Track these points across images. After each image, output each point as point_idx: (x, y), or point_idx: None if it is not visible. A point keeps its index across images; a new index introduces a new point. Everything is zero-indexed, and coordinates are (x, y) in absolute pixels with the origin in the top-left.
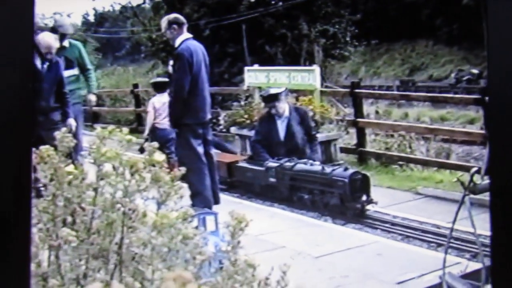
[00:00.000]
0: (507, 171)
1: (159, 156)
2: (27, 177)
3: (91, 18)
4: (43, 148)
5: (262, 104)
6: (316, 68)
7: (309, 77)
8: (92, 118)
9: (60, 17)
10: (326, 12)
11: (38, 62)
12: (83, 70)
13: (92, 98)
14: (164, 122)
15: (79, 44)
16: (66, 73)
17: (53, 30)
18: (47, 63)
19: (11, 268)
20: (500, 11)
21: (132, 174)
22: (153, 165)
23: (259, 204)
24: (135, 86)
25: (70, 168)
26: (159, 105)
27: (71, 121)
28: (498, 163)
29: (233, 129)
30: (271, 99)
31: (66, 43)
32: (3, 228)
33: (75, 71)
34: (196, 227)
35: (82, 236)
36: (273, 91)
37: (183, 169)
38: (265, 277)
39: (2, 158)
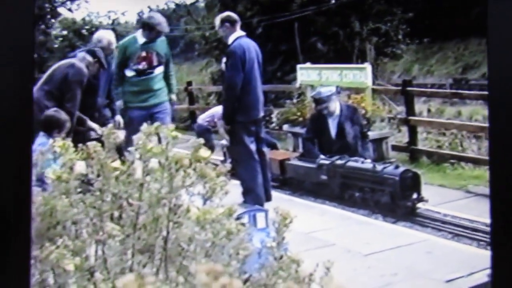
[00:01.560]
0: (507, 170)
1: (205, 152)
2: (27, 176)
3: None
4: (90, 144)
5: (314, 105)
6: (367, 66)
7: (360, 75)
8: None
9: (155, 13)
10: (378, 10)
11: (103, 59)
12: (166, 68)
13: (174, 97)
14: None
15: (165, 40)
16: (158, 70)
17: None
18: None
19: (11, 268)
20: (500, 11)
21: (177, 170)
22: (199, 161)
23: (311, 201)
24: (189, 83)
25: (117, 163)
26: None
27: (119, 118)
28: (498, 162)
29: (285, 127)
30: (322, 101)
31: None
32: (3, 228)
33: (163, 68)
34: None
35: (128, 231)
36: (324, 93)
37: (228, 165)
38: (309, 273)
39: (2, 157)
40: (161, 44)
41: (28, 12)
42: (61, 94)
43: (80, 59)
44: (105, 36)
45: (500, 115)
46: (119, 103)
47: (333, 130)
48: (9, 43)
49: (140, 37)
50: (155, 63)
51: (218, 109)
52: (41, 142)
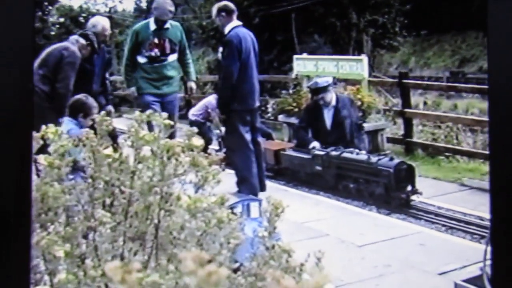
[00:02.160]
0: (508, 170)
1: (197, 141)
2: (27, 177)
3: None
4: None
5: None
6: (364, 58)
7: (357, 66)
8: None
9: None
10: (375, 1)
11: (95, 43)
12: (182, 54)
13: (193, 85)
14: None
15: (179, 25)
16: (171, 58)
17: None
18: (99, 47)
19: (11, 268)
20: (500, 11)
21: (169, 158)
22: (192, 150)
23: (305, 192)
24: None
25: (109, 151)
26: None
27: (110, 107)
28: (498, 163)
29: (281, 117)
30: (318, 92)
31: (168, 23)
32: (3, 228)
33: (176, 55)
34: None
35: (120, 218)
36: (321, 83)
37: (220, 154)
38: (300, 263)
39: (2, 158)
40: (174, 31)
41: (28, 12)
42: (55, 77)
43: (72, 42)
44: (100, 21)
45: (501, 115)
46: (132, 89)
47: (328, 121)
48: (9, 43)
49: (152, 24)
50: (167, 50)
51: (210, 99)
52: (70, 128)
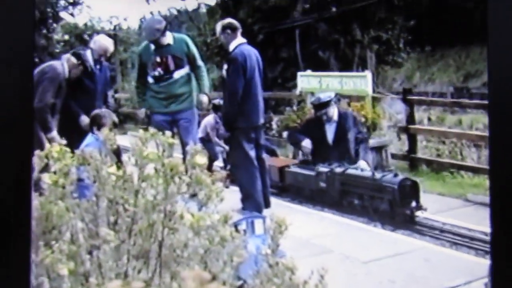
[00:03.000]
0: (507, 171)
1: (201, 159)
2: (27, 177)
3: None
4: (86, 149)
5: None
6: (368, 74)
7: (361, 82)
8: (147, 121)
9: (150, 18)
10: (379, 18)
11: (92, 64)
12: (194, 67)
13: (204, 99)
14: None
15: (185, 37)
16: (177, 74)
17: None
18: (99, 65)
19: (11, 268)
20: (500, 11)
21: (172, 177)
22: (195, 168)
23: (309, 208)
24: None
25: (113, 169)
26: None
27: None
28: (498, 163)
29: (285, 134)
30: (321, 107)
31: (169, 39)
32: (3, 228)
33: (186, 70)
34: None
35: (124, 236)
36: (323, 98)
37: (224, 172)
38: (304, 280)
39: (2, 158)
40: (179, 45)
41: (28, 13)
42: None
43: (64, 60)
44: (101, 39)
45: (500, 116)
46: (142, 110)
47: (330, 136)
48: (9, 43)
49: (152, 44)
50: (172, 67)
51: (209, 119)
52: (87, 143)
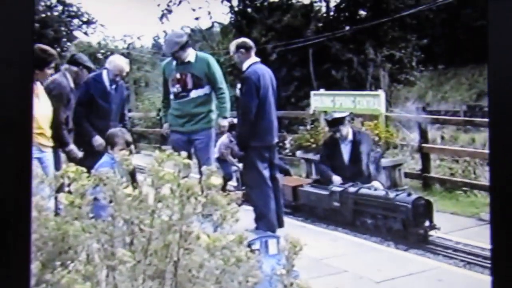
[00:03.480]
0: (507, 172)
1: (216, 180)
2: (27, 177)
3: (161, 41)
4: (102, 169)
5: (327, 128)
6: (381, 93)
7: (374, 101)
8: (161, 140)
9: (172, 32)
10: (392, 36)
11: (107, 84)
12: (214, 88)
13: (223, 123)
14: None
15: (209, 57)
16: (194, 93)
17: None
18: (115, 85)
19: (11, 268)
20: (500, 11)
21: (188, 198)
22: (210, 189)
23: (323, 228)
24: None
25: (129, 190)
26: None
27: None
28: (498, 163)
29: (298, 153)
30: (335, 123)
31: (191, 57)
32: (3, 228)
33: (205, 90)
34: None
35: (139, 257)
36: (337, 115)
37: (239, 193)
38: None
39: (2, 158)
40: (200, 65)
41: (28, 12)
42: None
43: (63, 72)
44: (116, 60)
45: (500, 117)
46: (165, 126)
47: (346, 156)
48: (9, 43)
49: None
50: (190, 85)
51: (223, 138)
52: (101, 162)
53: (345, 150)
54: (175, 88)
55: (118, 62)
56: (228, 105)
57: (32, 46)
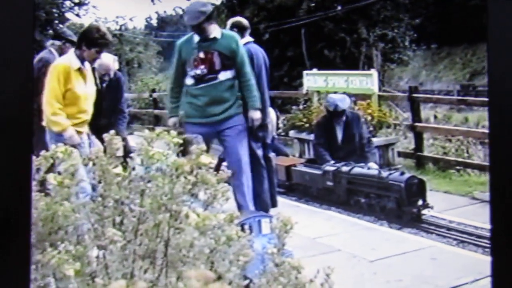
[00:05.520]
0: (507, 171)
1: (206, 159)
2: (27, 177)
3: (154, 22)
4: (93, 150)
5: (321, 108)
6: (374, 72)
7: (367, 81)
8: (154, 121)
9: (192, 2)
10: (385, 16)
11: (98, 82)
12: (240, 73)
13: (255, 115)
14: None
15: (235, 35)
16: (223, 75)
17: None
18: (106, 82)
19: (11, 268)
20: (500, 11)
21: (178, 176)
22: (200, 168)
23: (316, 207)
24: None
25: (119, 170)
26: None
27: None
28: (498, 163)
29: (291, 133)
30: (339, 114)
31: (217, 32)
32: (3, 228)
33: (233, 73)
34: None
35: (130, 236)
36: (341, 106)
37: (229, 172)
38: (310, 279)
39: (2, 158)
40: (227, 42)
41: (28, 12)
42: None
43: (49, 49)
44: (102, 59)
45: (500, 116)
46: (172, 120)
47: (339, 136)
48: (9, 43)
49: (196, 35)
50: (217, 66)
51: None
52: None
53: (339, 130)
54: (198, 70)
55: (104, 60)
56: (257, 93)
57: (32, 46)
